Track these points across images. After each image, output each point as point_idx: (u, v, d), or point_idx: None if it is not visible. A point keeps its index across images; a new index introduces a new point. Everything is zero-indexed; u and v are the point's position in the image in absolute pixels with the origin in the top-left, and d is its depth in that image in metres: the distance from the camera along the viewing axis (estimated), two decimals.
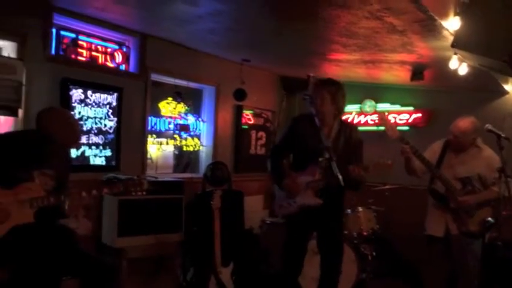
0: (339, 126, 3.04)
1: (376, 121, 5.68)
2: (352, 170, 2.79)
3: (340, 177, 2.59)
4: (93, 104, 4.04)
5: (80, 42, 4.01)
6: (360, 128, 4.90)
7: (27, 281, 2.40)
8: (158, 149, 4.87)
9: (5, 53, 3.46)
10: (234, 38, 4.33)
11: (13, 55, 3.46)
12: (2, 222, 2.31)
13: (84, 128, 3.95)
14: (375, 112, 5.73)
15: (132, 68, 4.45)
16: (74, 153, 3.83)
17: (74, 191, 2.48)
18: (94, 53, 4.13)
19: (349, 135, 3.04)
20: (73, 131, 2.58)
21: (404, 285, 4.56)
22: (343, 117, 3.13)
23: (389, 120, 3.59)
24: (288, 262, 3.11)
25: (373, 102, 5.77)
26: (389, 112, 5.58)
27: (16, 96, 3.38)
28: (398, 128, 3.38)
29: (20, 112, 3.45)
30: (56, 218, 2.63)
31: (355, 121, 5.79)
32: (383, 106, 5.72)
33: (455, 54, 3.62)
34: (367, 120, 5.78)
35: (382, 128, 5.39)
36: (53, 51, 3.78)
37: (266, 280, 4.15)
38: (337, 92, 2.96)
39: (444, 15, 3.10)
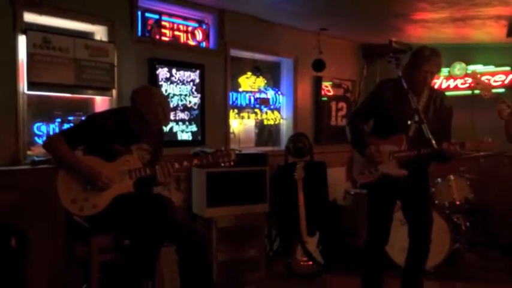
0: (430, 93, 2.88)
1: (467, 85, 5.30)
2: (447, 147, 2.64)
3: (432, 140, 2.47)
4: (178, 81, 4.21)
5: (163, 22, 4.16)
6: (450, 93, 4.64)
7: (131, 246, 2.60)
8: (240, 123, 4.98)
9: (97, 37, 3.71)
10: (310, 5, 4.23)
11: (104, 38, 3.68)
12: (107, 188, 2.51)
13: (171, 105, 4.13)
14: (466, 75, 5.35)
15: (212, 44, 4.55)
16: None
17: (167, 162, 2.63)
18: (176, 33, 4.27)
19: (439, 103, 2.88)
20: (162, 111, 2.63)
21: (502, 256, 4.30)
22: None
23: (483, 80, 3.32)
24: (373, 231, 3.04)
25: (463, 65, 5.37)
26: (482, 74, 5.18)
27: (110, 77, 3.62)
28: (493, 90, 3.12)
29: (114, 92, 3.69)
30: (152, 188, 2.82)
31: (443, 86, 5.45)
32: (474, 68, 5.31)
33: None
34: (456, 85, 5.42)
35: (470, 92, 5.11)
36: (139, 33, 3.97)
37: (353, 250, 4.13)
38: (442, 60, 2.80)
39: None
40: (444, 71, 5.49)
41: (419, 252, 3.02)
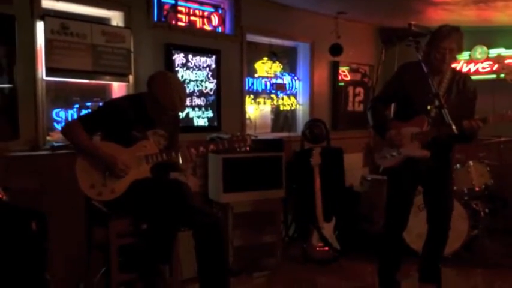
0: (452, 74, 2.83)
1: (488, 69, 5.18)
2: (467, 124, 2.59)
3: (453, 125, 2.43)
4: (194, 67, 4.20)
5: (179, 7, 4.14)
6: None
7: (149, 231, 2.64)
8: (256, 109, 4.96)
9: (113, 23, 3.71)
10: None
11: (121, 24, 3.68)
12: (124, 175, 2.54)
13: (187, 91, 4.12)
14: (487, 59, 5.22)
15: (228, 29, 4.51)
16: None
17: (184, 148, 2.64)
18: (192, 18, 4.24)
19: (463, 84, 2.82)
20: (178, 97, 2.62)
21: None
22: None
23: (509, 64, 3.24)
24: (391, 216, 3.03)
25: (484, 48, 5.23)
26: (504, 58, 5.04)
27: (126, 63, 3.63)
28: None
29: (130, 78, 3.70)
30: (169, 173, 2.84)
31: (464, 70, 5.33)
32: (496, 51, 5.18)
33: None
34: (478, 69, 5.28)
35: (494, 76, 4.99)
36: (156, 18, 3.95)
37: (369, 236, 4.11)
38: (463, 39, 2.75)
39: None
40: (465, 54, 5.37)
41: (438, 239, 3.00)
